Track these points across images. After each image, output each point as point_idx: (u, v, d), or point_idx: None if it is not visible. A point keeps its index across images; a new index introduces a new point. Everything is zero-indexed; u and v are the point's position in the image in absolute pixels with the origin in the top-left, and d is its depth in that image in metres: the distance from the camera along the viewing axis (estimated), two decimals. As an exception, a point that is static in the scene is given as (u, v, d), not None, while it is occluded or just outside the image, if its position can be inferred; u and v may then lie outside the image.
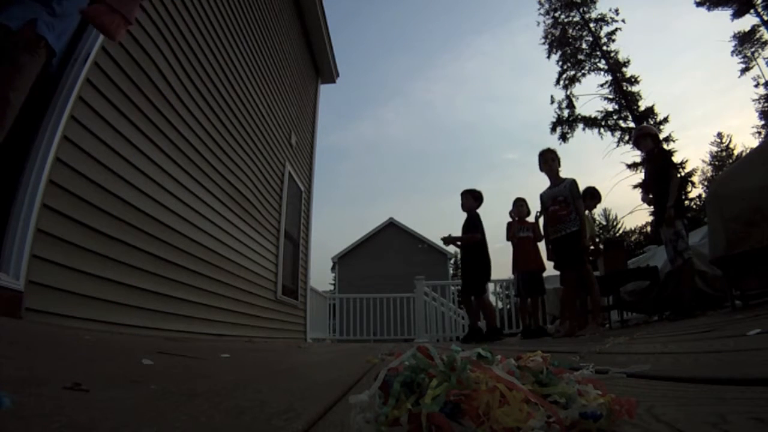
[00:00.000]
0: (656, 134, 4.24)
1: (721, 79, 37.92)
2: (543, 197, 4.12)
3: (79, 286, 2.15)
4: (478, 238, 4.53)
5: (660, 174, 3.85)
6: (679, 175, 4.01)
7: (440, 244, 21.23)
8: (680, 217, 3.68)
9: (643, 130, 4.30)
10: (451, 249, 18.42)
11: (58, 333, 1.80)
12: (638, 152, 20.74)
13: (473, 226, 4.61)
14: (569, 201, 3.87)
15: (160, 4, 2.86)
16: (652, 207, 4.17)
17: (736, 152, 25.98)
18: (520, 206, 5.01)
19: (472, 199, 4.78)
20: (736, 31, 20.70)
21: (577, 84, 22.18)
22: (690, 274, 3.68)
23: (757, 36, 19.89)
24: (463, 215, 4.82)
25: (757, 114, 22.96)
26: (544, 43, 23.15)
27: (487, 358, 0.43)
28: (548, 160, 4.07)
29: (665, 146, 22.38)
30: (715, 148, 27.91)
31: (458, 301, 9.09)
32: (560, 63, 22.74)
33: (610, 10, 21.62)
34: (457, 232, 4.80)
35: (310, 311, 6.81)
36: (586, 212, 4.37)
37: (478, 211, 4.85)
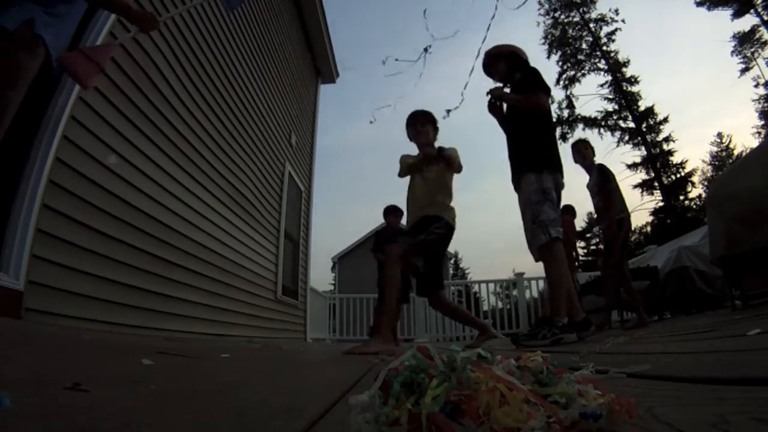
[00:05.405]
0: (513, 53, 2.87)
1: (721, 79, 37.96)
2: (588, 188, 4.03)
3: (79, 286, 2.15)
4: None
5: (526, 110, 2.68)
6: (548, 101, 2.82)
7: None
8: (548, 169, 2.52)
9: (492, 50, 2.95)
10: (451, 249, 18.36)
11: (58, 333, 1.80)
12: (639, 152, 20.93)
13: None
14: (600, 188, 3.80)
15: (160, 5, 2.86)
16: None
17: (736, 152, 25.98)
18: None
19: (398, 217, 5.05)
20: (736, 31, 20.72)
21: (577, 84, 22.19)
22: (561, 265, 2.43)
23: (757, 36, 19.89)
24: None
25: (757, 114, 22.99)
26: (544, 44, 23.15)
27: (487, 359, 0.43)
28: (581, 149, 3.99)
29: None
30: (715, 148, 27.90)
31: (458, 301, 9.09)
32: (560, 63, 22.74)
33: (610, 10, 21.63)
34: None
35: (310, 311, 6.81)
36: None
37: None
